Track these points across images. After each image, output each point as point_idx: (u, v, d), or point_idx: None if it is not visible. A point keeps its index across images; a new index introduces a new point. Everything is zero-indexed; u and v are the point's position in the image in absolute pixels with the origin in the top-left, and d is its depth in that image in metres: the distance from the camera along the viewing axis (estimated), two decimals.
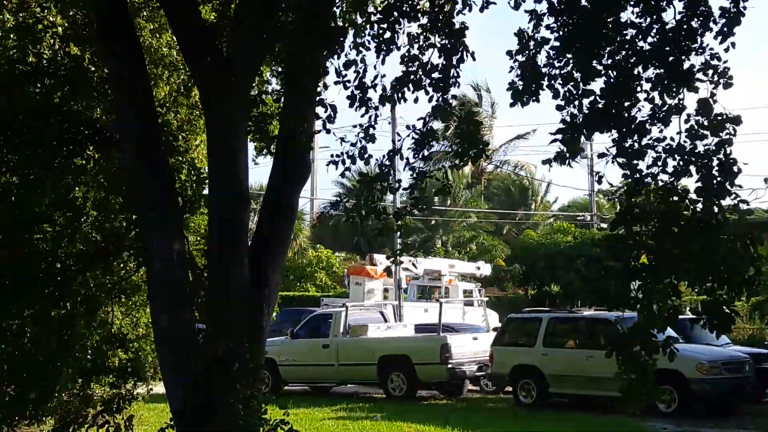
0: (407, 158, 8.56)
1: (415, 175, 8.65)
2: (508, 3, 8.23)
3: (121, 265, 11.68)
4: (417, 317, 27.98)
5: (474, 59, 8.71)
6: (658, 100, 7.44)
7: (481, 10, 8.87)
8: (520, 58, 7.91)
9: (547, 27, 7.85)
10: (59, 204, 11.17)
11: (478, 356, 21.96)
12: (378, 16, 8.93)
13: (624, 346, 7.51)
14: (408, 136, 8.52)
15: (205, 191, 10.40)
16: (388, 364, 22.27)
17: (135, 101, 8.91)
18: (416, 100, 8.66)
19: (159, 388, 10.98)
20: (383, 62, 8.82)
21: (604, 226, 44.19)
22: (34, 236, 11.14)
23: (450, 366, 21.48)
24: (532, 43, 7.91)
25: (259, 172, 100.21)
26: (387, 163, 8.64)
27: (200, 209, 11.11)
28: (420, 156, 8.62)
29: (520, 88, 7.87)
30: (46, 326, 11.16)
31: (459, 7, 8.86)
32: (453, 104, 8.98)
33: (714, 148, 7.24)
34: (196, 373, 8.21)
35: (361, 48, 8.96)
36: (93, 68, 11.08)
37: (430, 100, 8.62)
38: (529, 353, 20.47)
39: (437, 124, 28.72)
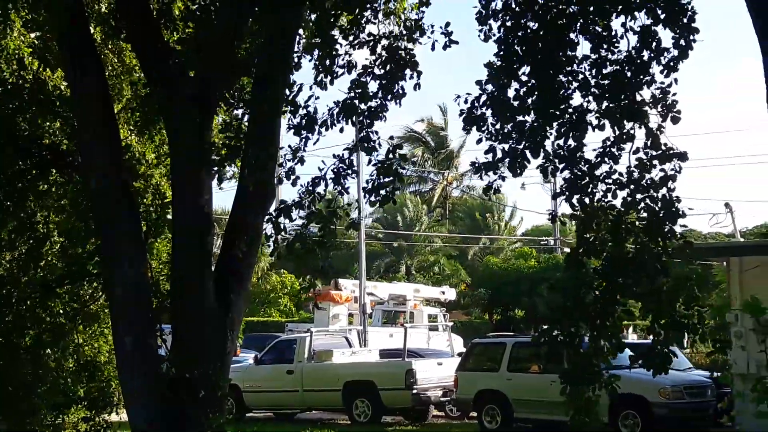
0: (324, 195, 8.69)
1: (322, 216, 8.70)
2: (478, 36, 8.41)
3: (84, 291, 11.50)
4: (382, 342, 27.89)
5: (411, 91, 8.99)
6: (608, 133, 7.57)
7: (444, 48, 9.07)
8: (490, 87, 7.96)
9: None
10: (22, 230, 11.00)
11: (442, 381, 21.90)
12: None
13: (574, 379, 7.60)
14: (333, 165, 8.60)
15: (169, 216, 10.33)
16: (352, 389, 22.14)
17: (99, 125, 8.86)
18: (341, 130, 8.80)
19: None
20: (327, 86, 9.07)
21: (567, 250, 44.32)
22: None
23: (415, 391, 21.40)
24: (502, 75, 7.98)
25: (224, 196, 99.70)
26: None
27: (164, 234, 11.00)
28: (340, 187, 8.73)
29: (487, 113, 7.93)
30: (13, 355, 10.95)
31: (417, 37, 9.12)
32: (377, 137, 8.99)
33: (658, 181, 7.34)
34: (160, 398, 8.12)
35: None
36: (57, 91, 10.95)
37: (359, 131, 8.77)
38: (493, 378, 20.43)
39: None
